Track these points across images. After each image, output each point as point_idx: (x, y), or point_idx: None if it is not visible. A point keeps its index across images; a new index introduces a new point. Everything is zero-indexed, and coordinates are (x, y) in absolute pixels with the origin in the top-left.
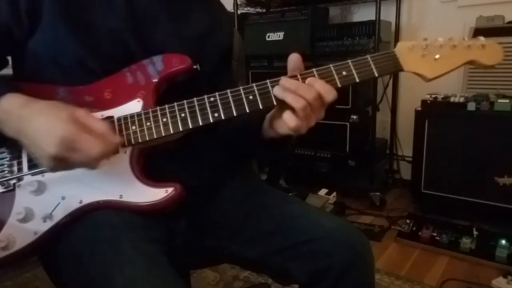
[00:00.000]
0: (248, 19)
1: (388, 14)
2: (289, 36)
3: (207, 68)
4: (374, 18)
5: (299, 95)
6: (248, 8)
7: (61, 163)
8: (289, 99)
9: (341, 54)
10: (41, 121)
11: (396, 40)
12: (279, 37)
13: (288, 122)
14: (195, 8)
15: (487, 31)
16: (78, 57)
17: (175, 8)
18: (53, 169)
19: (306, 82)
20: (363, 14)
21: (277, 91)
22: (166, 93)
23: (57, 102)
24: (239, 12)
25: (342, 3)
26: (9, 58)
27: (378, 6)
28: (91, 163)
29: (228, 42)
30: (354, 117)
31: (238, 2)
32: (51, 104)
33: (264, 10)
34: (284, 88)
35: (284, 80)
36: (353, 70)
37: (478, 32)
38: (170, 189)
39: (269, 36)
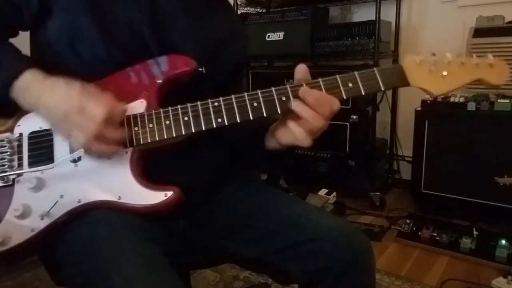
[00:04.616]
0: (248, 19)
1: (388, 14)
2: (289, 36)
3: (219, 76)
4: (374, 18)
5: (316, 111)
6: (248, 8)
7: (73, 125)
8: (309, 116)
9: (341, 54)
10: (53, 96)
11: (396, 40)
12: (279, 37)
13: (298, 135)
14: (216, 16)
15: (487, 31)
16: (93, 45)
17: (196, 12)
18: (68, 136)
19: (318, 98)
20: (363, 14)
21: (298, 108)
22: (173, 95)
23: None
24: (239, 12)
25: (342, 3)
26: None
27: (378, 6)
28: (95, 127)
29: (243, 54)
30: (354, 117)
31: (238, 2)
32: (63, 81)
33: (264, 10)
34: (304, 102)
35: (305, 92)
36: (359, 82)
37: (478, 32)
38: (169, 193)
39: (269, 36)
